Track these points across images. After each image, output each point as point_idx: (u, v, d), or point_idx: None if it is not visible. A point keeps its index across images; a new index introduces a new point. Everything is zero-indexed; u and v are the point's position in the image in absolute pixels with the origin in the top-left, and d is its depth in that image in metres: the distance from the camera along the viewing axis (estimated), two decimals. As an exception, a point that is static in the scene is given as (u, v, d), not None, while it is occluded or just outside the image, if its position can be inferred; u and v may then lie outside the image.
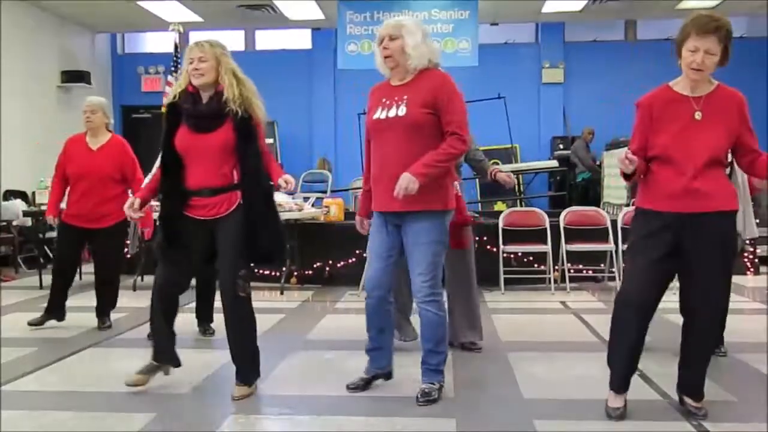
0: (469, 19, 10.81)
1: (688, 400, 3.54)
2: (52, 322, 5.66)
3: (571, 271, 7.45)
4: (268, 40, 14.45)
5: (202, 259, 3.92)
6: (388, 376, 4.05)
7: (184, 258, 3.87)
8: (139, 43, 14.84)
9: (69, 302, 5.75)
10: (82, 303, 6.14)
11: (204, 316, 5.44)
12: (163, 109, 3.96)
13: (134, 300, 6.83)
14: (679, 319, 5.87)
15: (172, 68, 9.73)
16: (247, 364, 3.95)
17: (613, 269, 7.33)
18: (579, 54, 13.85)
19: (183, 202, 3.83)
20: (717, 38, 3.28)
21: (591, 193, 12.23)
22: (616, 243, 7.28)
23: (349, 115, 12.49)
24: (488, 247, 7.53)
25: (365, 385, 3.98)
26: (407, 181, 3.48)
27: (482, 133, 12.89)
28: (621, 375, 3.57)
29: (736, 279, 8.22)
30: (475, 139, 4.98)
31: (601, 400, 3.81)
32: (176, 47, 9.81)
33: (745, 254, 8.39)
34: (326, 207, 7.85)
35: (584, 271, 7.67)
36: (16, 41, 10.83)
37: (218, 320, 6.16)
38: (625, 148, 3.40)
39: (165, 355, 4.01)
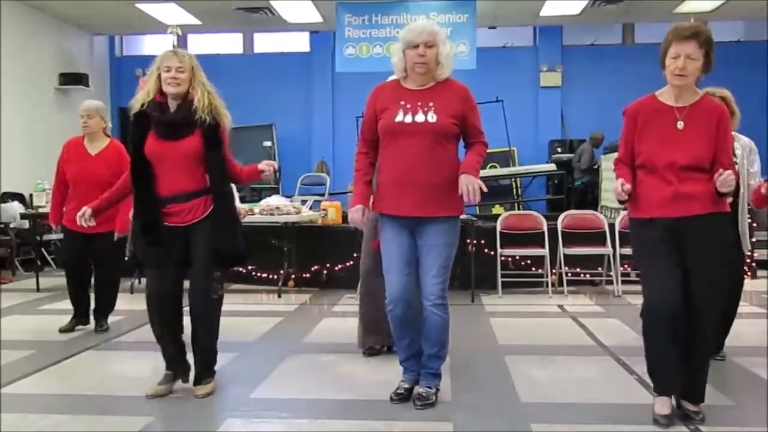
0: (467, 23, 10.82)
1: (685, 404, 3.54)
2: (50, 325, 5.66)
3: (569, 274, 7.46)
4: (266, 42, 14.46)
5: (177, 266, 3.93)
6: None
7: (168, 264, 3.89)
8: (138, 46, 14.84)
9: (66, 305, 5.74)
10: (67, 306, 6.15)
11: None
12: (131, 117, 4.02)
13: (132, 303, 6.81)
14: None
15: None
16: (211, 363, 4.05)
17: (611, 273, 7.34)
18: (577, 57, 13.87)
19: (159, 209, 3.89)
20: (696, 43, 3.36)
21: (589, 196, 12.25)
22: (613, 246, 7.29)
23: (347, 117, 12.50)
24: (486, 250, 7.54)
25: (408, 394, 3.85)
26: (473, 182, 3.56)
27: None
28: (669, 380, 3.54)
29: (733, 282, 8.20)
30: None
31: (599, 403, 3.83)
32: (174, 50, 9.80)
33: (743, 256, 8.39)
34: (324, 210, 7.86)
35: (582, 275, 7.68)
36: (14, 43, 10.82)
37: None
38: (620, 180, 3.43)
39: (174, 364, 4.03)
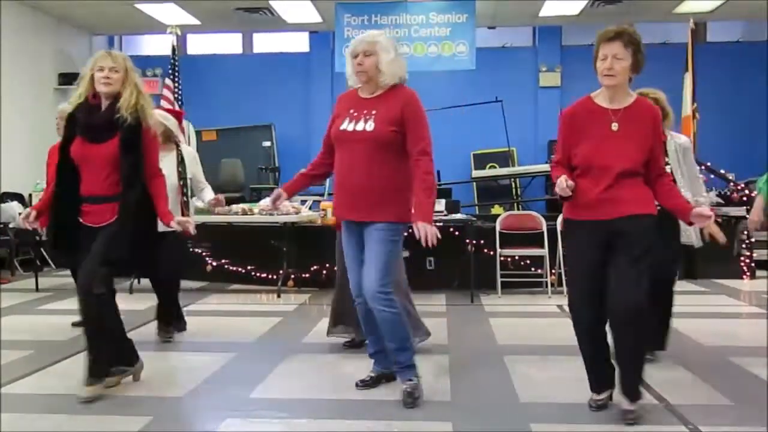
0: (467, 23, 10.81)
1: (622, 401, 3.54)
2: (49, 325, 5.65)
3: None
4: (265, 43, 14.44)
5: None
6: (390, 377, 4.10)
7: (77, 262, 3.92)
8: (137, 46, 14.82)
9: (65, 305, 5.74)
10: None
11: (162, 318, 5.44)
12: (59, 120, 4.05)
13: (130, 303, 6.81)
14: (681, 325, 5.90)
15: (170, 71, 9.74)
16: (99, 364, 3.94)
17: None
18: (576, 58, 13.83)
19: (76, 208, 3.92)
20: (621, 43, 3.41)
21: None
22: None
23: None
24: (485, 250, 7.54)
25: (374, 382, 4.09)
26: (429, 230, 3.64)
27: (479, 136, 13.02)
28: (599, 379, 3.66)
29: (732, 283, 8.29)
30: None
31: (598, 403, 3.82)
32: (174, 50, 9.81)
33: (742, 258, 8.41)
34: (323, 210, 7.85)
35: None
36: (13, 43, 10.81)
37: (209, 323, 6.16)
38: (563, 176, 3.45)
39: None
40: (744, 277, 8.32)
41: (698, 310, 6.70)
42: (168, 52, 9.98)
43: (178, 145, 5.46)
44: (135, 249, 3.91)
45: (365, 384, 4.07)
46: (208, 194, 5.60)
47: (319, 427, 3.52)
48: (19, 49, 11.01)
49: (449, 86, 12.51)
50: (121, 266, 4.03)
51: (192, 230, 4.13)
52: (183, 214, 5.20)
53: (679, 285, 7.68)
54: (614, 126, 3.45)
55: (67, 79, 12.14)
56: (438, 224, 7.60)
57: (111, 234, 3.84)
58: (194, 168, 5.54)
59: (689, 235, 4.56)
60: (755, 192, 4.73)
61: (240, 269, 8.19)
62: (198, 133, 10.66)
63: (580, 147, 3.49)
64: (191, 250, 8.49)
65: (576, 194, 3.48)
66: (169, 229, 5.14)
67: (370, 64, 3.78)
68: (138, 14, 11.76)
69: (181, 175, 5.31)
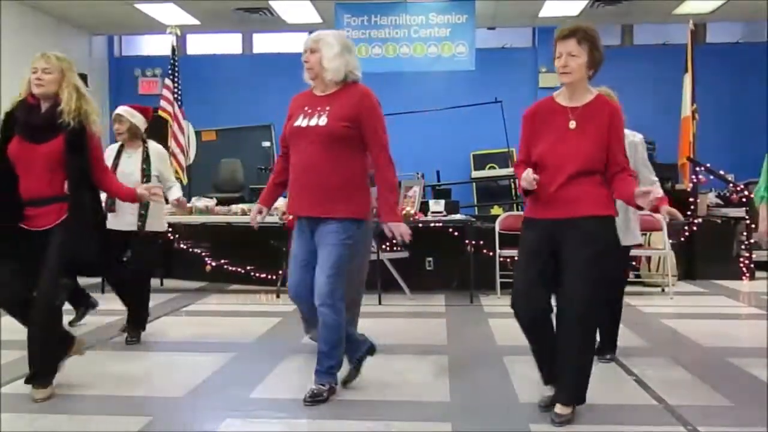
0: (466, 24, 10.82)
1: (556, 405, 3.51)
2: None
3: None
4: (265, 43, 14.44)
5: (28, 270, 3.87)
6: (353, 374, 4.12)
7: (14, 267, 3.86)
8: (137, 46, 14.82)
9: (66, 305, 5.71)
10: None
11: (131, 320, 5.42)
12: None
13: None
14: (680, 325, 5.91)
15: (170, 71, 9.74)
16: (49, 366, 3.98)
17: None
18: (576, 59, 13.87)
19: (16, 211, 3.88)
20: (575, 40, 3.43)
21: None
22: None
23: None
24: (485, 251, 7.54)
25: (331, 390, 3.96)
26: (401, 229, 3.83)
27: (479, 136, 13.02)
28: (550, 372, 3.63)
29: (731, 284, 8.29)
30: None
31: (597, 404, 3.82)
32: (173, 50, 9.81)
33: (741, 259, 8.41)
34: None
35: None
36: (13, 43, 10.80)
37: (209, 324, 6.15)
38: (528, 170, 3.45)
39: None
40: (743, 278, 8.32)
41: (697, 311, 6.71)
42: (168, 52, 9.98)
43: (145, 142, 5.45)
44: (93, 249, 3.92)
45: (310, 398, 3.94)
46: (173, 193, 5.55)
47: (318, 427, 3.52)
48: (18, 49, 10.98)
49: (449, 87, 12.52)
50: (89, 270, 4.03)
51: (155, 197, 4.19)
52: (139, 212, 5.26)
53: (679, 286, 7.74)
54: (572, 124, 3.45)
55: (67, 79, 12.14)
56: (437, 225, 7.66)
57: (65, 241, 3.81)
58: (161, 166, 5.49)
59: (625, 236, 4.54)
60: (758, 203, 4.73)
61: (239, 269, 8.19)
62: (198, 134, 10.66)
63: (538, 146, 3.50)
64: (189, 250, 8.50)
65: (535, 192, 3.49)
66: (134, 229, 5.17)
67: (314, 61, 3.85)
68: (138, 14, 11.77)
69: (145, 172, 5.31)
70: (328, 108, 3.80)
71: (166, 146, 9.49)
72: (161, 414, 3.71)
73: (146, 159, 5.37)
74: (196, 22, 12.18)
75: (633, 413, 3.69)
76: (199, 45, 14.04)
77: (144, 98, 13.71)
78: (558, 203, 3.41)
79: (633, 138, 4.59)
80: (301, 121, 3.84)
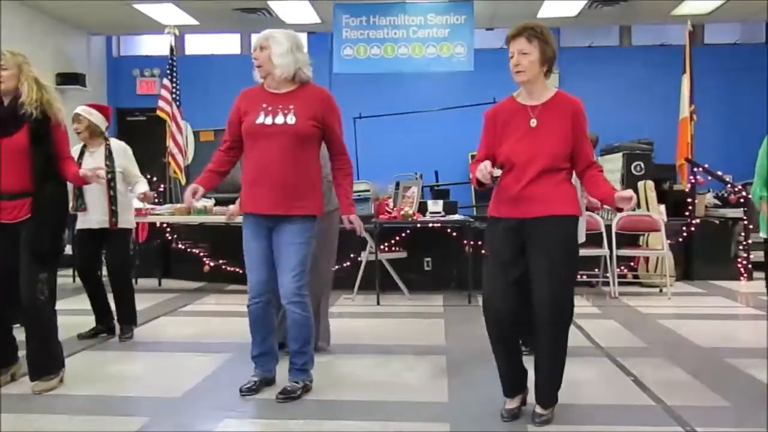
0: (465, 24, 10.82)
1: (536, 405, 3.53)
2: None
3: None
4: (263, 43, 14.44)
5: (15, 263, 3.92)
6: (270, 381, 4.09)
7: None
8: (135, 46, 14.80)
9: (63, 305, 5.69)
10: (75, 306, 6.14)
11: (101, 319, 5.48)
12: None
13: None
14: (678, 326, 5.91)
15: (168, 71, 9.73)
16: (47, 360, 4.05)
17: (608, 274, 7.35)
18: (574, 59, 13.85)
19: None
20: (525, 38, 3.45)
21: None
22: (610, 248, 7.30)
23: (344, 118, 12.44)
24: (483, 251, 7.52)
25: (256, 387, 4.00)
26: (359, 220, 4.02)
27: (477, 137, 12.98)
28: (510, 381, 3.62)
29: (729, 284, 8.29)
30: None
31: (595, 404, 3.84)
32: (172, 50, 9.80)
33: (739, 259, 8.42)
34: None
35: (579, 276, 7.68)
36: (11, 42, 10.76)
37: (206, 324, 6.15)
38: (486, 161, 3.44)
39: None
40: (741, 278, 8.33)
41: (695, 312, 6.72)
42: (166, 52, 9.98)
43: (107, 140, 5.47)
44: (58, 240, 3.98)
45: (251, 391, 3.97)
46: (140, 187, 5.52)
47: (316, 427, 3.52)
48: (16, 48, 10.97)
49: (447, 87, 12.51)
50: (48, 260, 4.00)
51: (98, 179, 4.18)
52: (110, 208, 5.28)
53: (677, 286, 7.75)
54: (533, 122, 3.45)
55: (65, 79, 12.14)
56: (436, 225, 7.67)
57: (28, 234, 3.86)
58: (124, 162, 5.48)
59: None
60: (757, 202, 4.74)
61: (237, 270, 8.17)
62: (196, 134, 10.66)
63: (502, 146, 3.50)
64: (187, 250, 8.50)
65: (497, 191, 3.51)
66: (105, 227, 5.18)
67: (263, 58, 3.88)
68: (136, 14, 11.75)
69: (109, 169, 5.29)
70: (292, 106, 3.81)
71: (164, 146, 9.58)
72: (159, 414, 3.71)
73: (109, 156, 5.39)
74: (195, 22, 12.17)
75: (631, 414, 3.69)
76: (197, 45, 14.02)
77: (142, 98, 13.72)
78: (522, 202, 3.41)
79: None
80: (264, 119, 3.83)
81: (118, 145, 5.53)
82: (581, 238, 4.67)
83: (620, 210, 3.49)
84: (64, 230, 4.07)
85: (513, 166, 3.44)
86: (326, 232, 4.73)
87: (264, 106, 3.86)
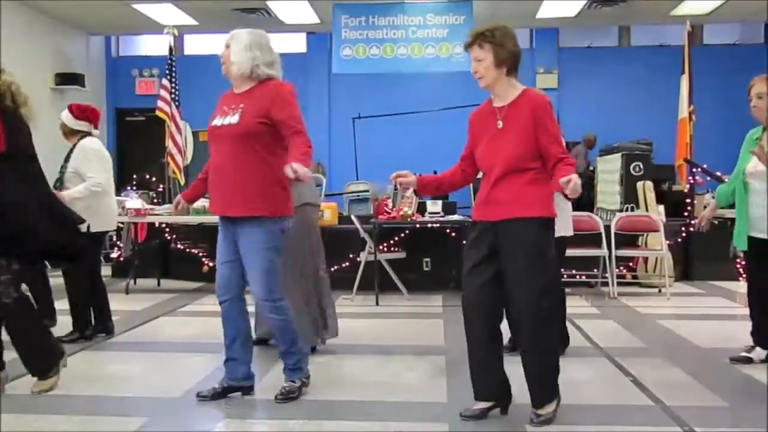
0: (464, 25, 10.81)
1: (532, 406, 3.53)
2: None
3: (565, 276, 7.45)
4: (263, 43, 14.44)
5: None
6: (246, 390, 3.97)
7: None
8: (134, 46, 14.81)
9: (62, 305, 5.71)
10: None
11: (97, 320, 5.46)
12: None
13: (127, 303, 6.82)
14: (677, 326, 5.91)
15: (167, 71, 9.73)
16: (38, 361, 4.01)
17: (606, 274, 7.35)
18: (573, 60, 13.89)
19: None
20: (477, 45, 3.47)
21: (584, 198, 12.26)
22: (609, 248, 7.30)
23: (343, 119, 12.50)
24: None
25: (215, 395, 3.89)
26: (299, 169, 3.49)
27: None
28: (481, 383, 3.59)
29: (728, 285, 8.28)
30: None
31: (593, 404, 3.84)
32: (171, 50, 9.80)
33: (738, 260, 8.41)
34: (320, 211, 7.84)
35: (577, 276, 7.69)
36: (10, 42, 10.78)
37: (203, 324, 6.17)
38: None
39: None
40: (740, 278, 8.31)
41: (694, 312, 6.72)
42: (165, 52, 9.97)
43: (83, 138, 5.42)
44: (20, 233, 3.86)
45: (204, 397, 3.88)
46: (73, 188, 5.29)
47: (315, 427, 3.52)
48: (15, 48, 10.98)
49: (446, 88, 12.52)
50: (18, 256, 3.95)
51: None
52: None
53: (676, 287, 7.75)
54: (499, 124, 3.47)
55: (64, 79, 12.14)
56: (435, 225, 7.67)
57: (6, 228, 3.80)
58: (78, 162, 5.32)
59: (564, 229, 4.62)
60: (723, 203, 4.76)
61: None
62: (195, 134, 10.64)
63: (477, 150, 3.57)
64: (186, 250, 8.49)
65: (477, 194, 3.59)
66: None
67: (225, 56, 3.87)
68: (135, 14, 11.75)
69: (62, 168, 5.31)
70: (242, 105, 3.77)
71: (163, 146, 9.57)
72: (158, 414, 3.71)
73: (68, 156, 5.36)
74: (194, 22, 12.17)
75: (630, 414, 3.70)
76: (196, 45, 14.02)
77: (141, 98, 13.72)
78: (491, 205, 3.45)
79: None
80: (217, 121, 3.83)
81: (82, 145, 5.38)
82: (566, 231, 4.68)
83: (567, 198, 3.45)
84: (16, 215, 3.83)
85: (484, 169, 3.53)
86: (300, 227, 4.64)
87: (224, 107, 3.86)
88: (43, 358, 4.05)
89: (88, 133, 5.45)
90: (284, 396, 3.86)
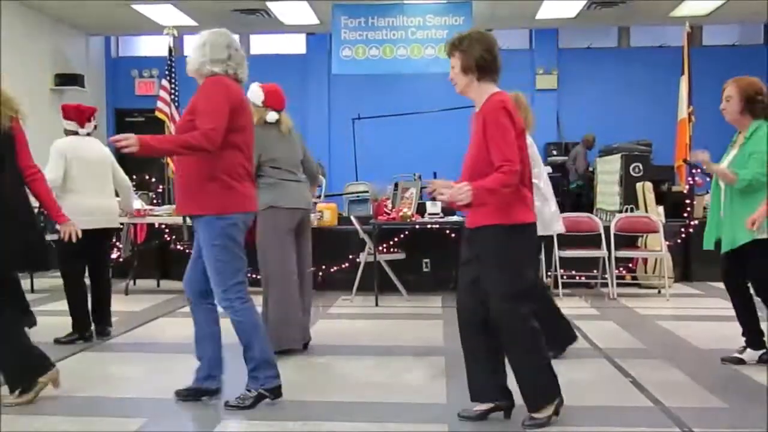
0: (463, 25, 10.81)
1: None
2: (44, 326, 5.63)
3: (564, 277, 7.46)
4: (262, 44, 14.45)
5: None
6: (213, 392, 3.91)
7: None
8: (134, 47, 14.82)
9: (61, 306, 5.71)
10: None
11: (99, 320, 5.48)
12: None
13: (126, 304, 6.82)
14: (677, 327, 5.91)
15: (167, 72, 9.73)
16: (8, 373, 3.87)
17: (606, 275, 7.35)
18: (573, 60, 13.90)
19: None
20: (448, 54, 3.54)
21: (584, 199, 12.26)
22: (609, 249, 7.30)
23: (343, 119, 12.51)
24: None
25: (189, 395, 3.89)
26: (129, 141, 3.45)
27: (476, 138, 13.01)
28: (472, 385, 3.60)
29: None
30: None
31: (593, 405, 3.84)
32: (170, 51, 9.80)
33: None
34: (320, 212, 7.86)
35: (577, 278, 7.69)
36: (9, 43, 10.79)
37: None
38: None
39: None
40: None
41: (694, 313, 6.72)
42: (165, 53, 9.98)
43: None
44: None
45: (178, 395, 3.88)
46: None
47: (314, 428, 3.51)
48: (15, 49, 10.99)
49: (446, 88, 12.42)
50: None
51: None
52: None
53: (675, 288, 7.75)
54: (472, 129, 3.52)
55: (64, 79, 12.15)
56: (434, 226, 7.67)
57: None
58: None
59: (550, 228, 4.70)
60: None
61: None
62: (194, 135, 10.66)
63: None
64: (186, 251, 8.48)
65: None
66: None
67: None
68: (135, 15, 11.76)
69: None
70: (189, 104, 3.79)
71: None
72: (157, 415, 3.71)
73: None
74: (194, 23, 12.17)
75: (629, 415, 3.69)
76: (196, 46, 14.03)
77: (141, 99, 13.74)
78: (467, 212, 3.53)
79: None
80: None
81: (53, 143, 5.41)
82: (550, 230, 4.78)
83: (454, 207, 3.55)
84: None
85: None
86: (267, 230, 4.77)
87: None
88: (15, 374, 3.85)
89: (75, 132, 5.45)
90: (233, 404, 3.75)
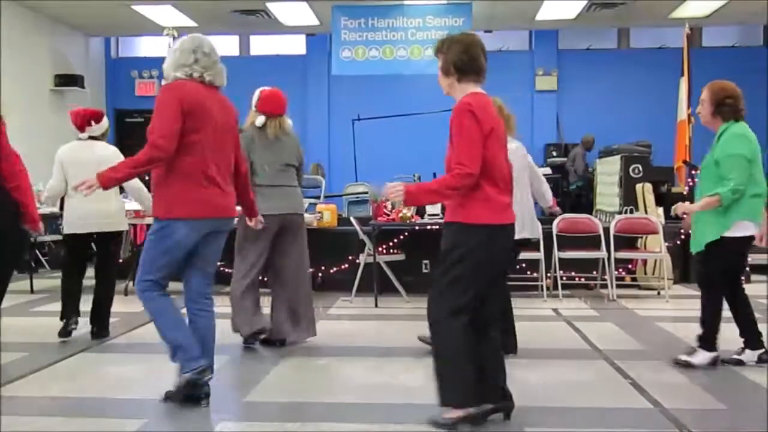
0: (463, 26, 10.82)
1: None
2: (44, 326, 5.64)
3: (564, 278, 7.46)
4: (262, 45, 14.46)
5: None
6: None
7: None
8: (133, 47, 14.83)
9: (56, 307, 5.71)
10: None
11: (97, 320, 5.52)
12: None
13: (126, 305, 6.80)
14: (676, 328, 5.91)
15: (166, 73, 9.73)
16: None
17: (606, 276, 7.35)
18: (572, 62, 13.91)
19: None
20: (436, 57, 3.59)
21: (584, 200, 12.27)
22: (608, 250, 7.30)
23: (343, 120, 12.52)
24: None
25: (176, 395, 3.88)
26: (88, 183, 3.64)
27: (476, 139, 13.02)
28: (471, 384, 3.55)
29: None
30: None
31: (592, 407, 3.84)
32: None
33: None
34: (319, 213, 7.86)
35: (576, 279, 7.69)
36: (9, 43, 10.79)
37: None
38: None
39: None
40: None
41: (693, 314, 6.68)
42: (164, 53, 9.98)
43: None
44: None
45: (167, 396, 3.89)
46: None
47: (314, 428, 3.51)
48: (15, 49, 10.99)
49: (445, 89, 12.52)
50: None
51: None
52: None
53: (675, 289, 7.75)
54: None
55: (63, 80, 12.15)
56: (434, 227, 7.67)
57: None
58: None
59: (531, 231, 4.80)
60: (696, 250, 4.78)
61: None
62: (194, 135, 10.67)
63: None
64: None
65: None
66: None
67: None
68: (134, 16, 11.77)
69: None
70: None
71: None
72: (156, 416, 3.71)
73: None
74: (193, 23, 12.18)
75: (629, 416, 3.69)
76: (196, 47, 14.03)
77: (141, 99, 13.73)
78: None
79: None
80: None
81: None
82: (533, 234, 4.97)
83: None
84: None
85: None
86: (237, 233, 5.01)
87: None
88: None
89: (80, 137, 5.49)
90: (165, 395, 3.84)
